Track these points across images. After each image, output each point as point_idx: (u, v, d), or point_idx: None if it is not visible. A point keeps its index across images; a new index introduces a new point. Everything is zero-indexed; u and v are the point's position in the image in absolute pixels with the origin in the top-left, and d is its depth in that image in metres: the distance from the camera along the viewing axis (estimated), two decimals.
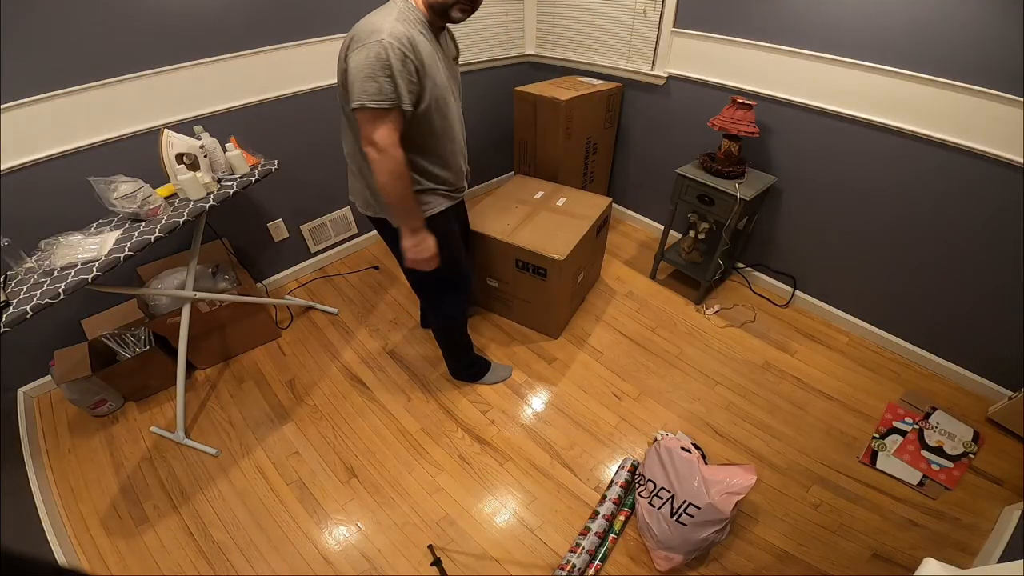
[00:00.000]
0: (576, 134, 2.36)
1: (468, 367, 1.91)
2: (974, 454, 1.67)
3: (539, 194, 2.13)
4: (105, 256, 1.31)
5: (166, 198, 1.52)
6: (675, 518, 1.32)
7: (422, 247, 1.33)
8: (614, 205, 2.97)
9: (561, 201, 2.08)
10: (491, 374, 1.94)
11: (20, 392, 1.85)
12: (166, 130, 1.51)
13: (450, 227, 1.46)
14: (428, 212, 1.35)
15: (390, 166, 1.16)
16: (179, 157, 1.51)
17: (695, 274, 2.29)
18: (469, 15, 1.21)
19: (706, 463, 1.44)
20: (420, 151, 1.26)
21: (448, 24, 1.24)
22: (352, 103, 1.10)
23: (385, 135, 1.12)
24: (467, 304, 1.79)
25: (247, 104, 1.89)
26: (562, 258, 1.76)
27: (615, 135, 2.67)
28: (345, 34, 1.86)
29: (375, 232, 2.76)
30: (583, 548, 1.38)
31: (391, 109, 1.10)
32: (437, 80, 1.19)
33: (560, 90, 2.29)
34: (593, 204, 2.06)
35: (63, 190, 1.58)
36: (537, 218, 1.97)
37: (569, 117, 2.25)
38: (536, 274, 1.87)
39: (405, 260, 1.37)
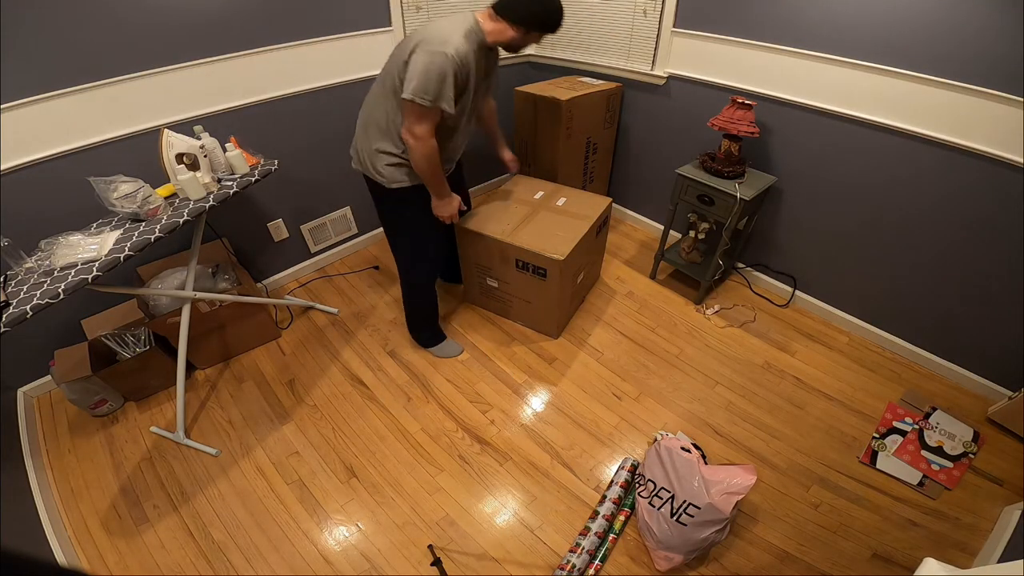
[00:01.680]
0: (576, 134, 2.36)
1: (425, 330, 2.05)
2: (974, 454, 1.67)
3: (539, 194, 2.10)
4: (105, 256, 1.31)
5: (166, 198, 1.52)
6: (675, 518, 1.32)
7: (444, 206, 1.61)
8: (614, 205, 2.97)
9: (561, 201, 2.06)
10: (442, 347, 2.06)
11: (20, 392, 1.85)
12: (166, 130, 1.51)
13: (427, 200, 1.62)
14: (411, 182, 1.54)
15: (425, 151, 1.40)
16: (179, 157, 1.51)
17: (695, 274, 2.29)
18: None
19: (706, 463, 1.45)
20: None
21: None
22: (404, 94, 1.30)
23: (425, 128, 1.36)
24: (436, 273, 1.94)
25: (247, 104, 1.89)
26: (562, 258, 1.75)
27: (615, 135, 2.67)
28: (343, 34, 1.94)
29: (375, 232, 2.78)
30: (583, 548, 1.38)
31: (433, 108, 1.32)
32: (471, 94, 1.44)
33: (560, 90, 2.29)
34: (593, 204, 2.06)
35: (63, 190, 1.58)
36: (537, 218, 1.96)
37: (570, 117, 2.25)
38: (536, 274, 1.87)
39: (436, 215, 1.63)
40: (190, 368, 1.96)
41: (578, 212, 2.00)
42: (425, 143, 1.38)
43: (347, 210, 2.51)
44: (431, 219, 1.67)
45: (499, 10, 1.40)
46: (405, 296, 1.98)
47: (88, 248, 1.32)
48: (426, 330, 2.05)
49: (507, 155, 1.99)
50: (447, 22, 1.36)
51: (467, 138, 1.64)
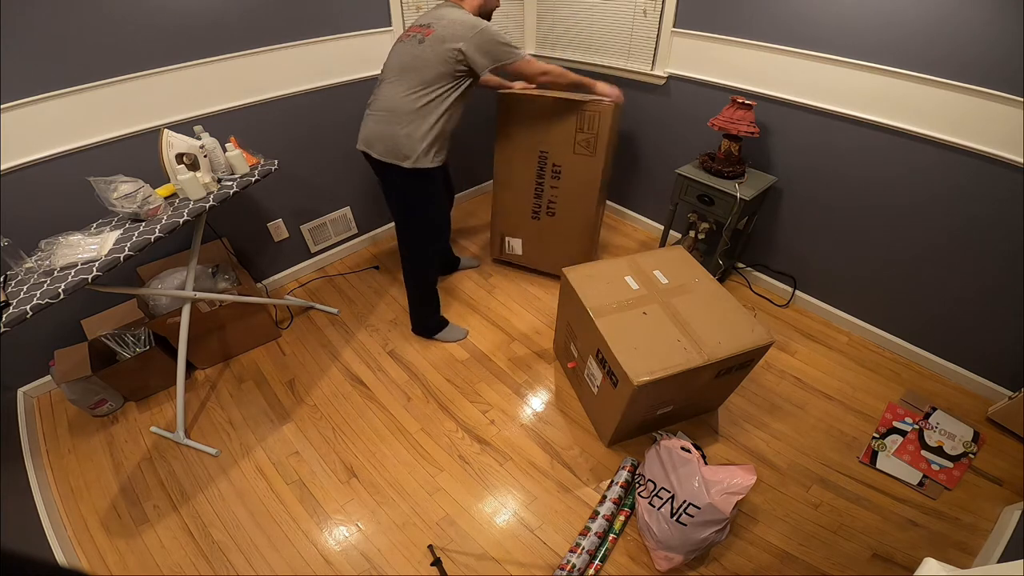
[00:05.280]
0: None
1: (428, 318, 2.10)
2: (974, 454, 1.67)
3: (634, 284, 1.63)
4: (105, 256, 1.31)
5: (166, 198, 1.52)
6: (675, 518, 1.32)
7: (607, 90, 1.85)
8: (614, 205, 2.98)
9: (662, 278, 1.65)
10: (447, 332, 2.12)
11: (20, 392, 1.85)
12: (166, 130, 1.51)
13: (439, 182, 1.78)
14: (435, 163, 1.66)
15: (552, 72, 1.69)
16: (179, 157, 1.51)
17: None
18: None
19: (706, 463, 1.44)
20: (451, 120, 1.65)
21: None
22: (507, 61, 1.58)
23: (535, 70, 1.66)
24: (440, 256, 2.11)
25: (247, 104, 1.89)
26: (773, 339, 1.45)
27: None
28: (343, 34, 2.01)
29: (375, 232, 2.77)
30: (583, 548, 1.38)
31: (522, 55, 1.61)
32: None
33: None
34: (687, 263, 1.73)
35: (63, 190, 1.58)
36: (682, 315, 1.51)
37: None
38: (740, 370, 1.55)
39: (607, 91, 1.85)
40: (190, 368, 1.96)
41: (697, 282, 1.65)
42: (543, 67, 1.66)
43: (347, 210, 2.51)
44: (440, 198, 1.85)
45: None
46: (413, 287, 2.02)
47: (88, 248, 1.32)
48: (432, 318, 2.11)
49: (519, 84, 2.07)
50: (454, 14, 1.56)
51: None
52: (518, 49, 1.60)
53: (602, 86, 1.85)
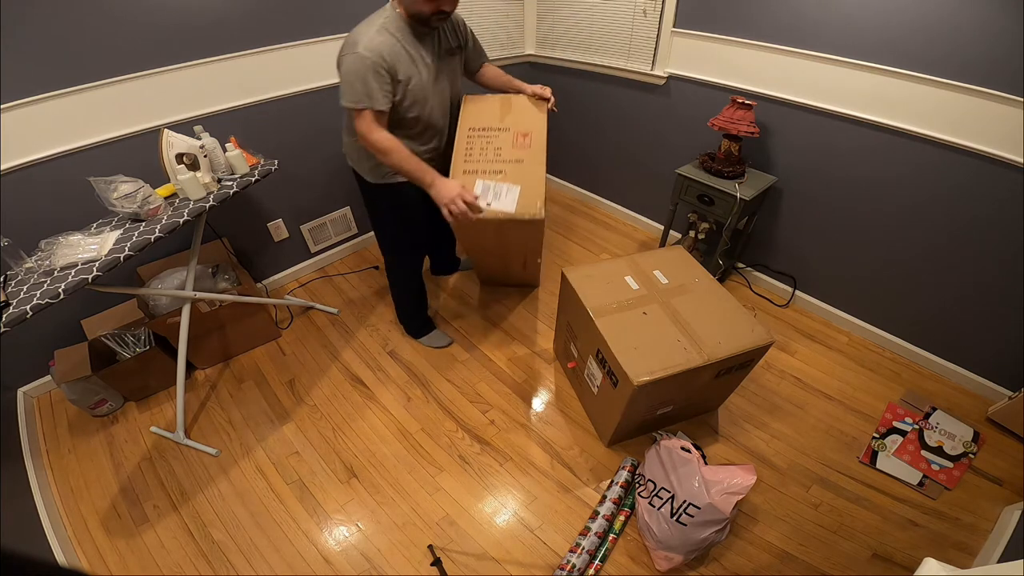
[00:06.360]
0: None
1: (413, 319, 2.10)
2: (974, 454, 1.67)
3: (634, 284, 1.62)
4: (105, 256, 1.31)
5: (166, 198, 1.52)
6: (675, 518, 1.32)
7: (440, 193, 1.42)
8: (614, 205, 2.98)
9: (661, 277, 1.64)
10: (430, 337, 2.09)
11: (20, 392, 1.85)
12: (166, 130, 1.51)
13: (407, 199, 1.64)
14: (389, 180, 1.59)
15: (379, 147, 1.39)
16: (179, 157, 1.51)
17: None
18: (445, 21, 1.40)
19: (706, 463, 1.44)
20: (392, 131, 1.43)
21: (436, 24, 1.38)
22: (340, 101, 1.35)
23: (363, 127, 1.36)
24: (418, 264, 1.97)
25: (247, 104, 1.89)
26: (772, 339, 1.45)
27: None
28: (343, 34, 1.95)
29: (375, 233, 2.77)
30: (583, 548, 1.38)
31: (364, 109, 1.33)
32: (413, 80, 1.39)
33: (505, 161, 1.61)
34: (688, 263, 1.72)
35: (63, 190, 1.58)
36: (682, 315, 1.50)
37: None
38: (741, 369, 1.54)
39: (441, 205, 1.45)
40: (190, 368, 1.96)
41: (697, 282, 1.63)
42: (368, 141, 1.38)
43: (347, 210, 2.51)
44: (408, 213, 1.71)
45: None
46: (390, 283, 2.04)
47: (88, 248, 1.32)
48: (415, 319, 2.09)
49: (531, 88, 1.70)
50: (363, 22, 1.35)
51: (440, 131, 1.58)
52: (366, 100, 1.29)
53: (442, 192, 1.40)
